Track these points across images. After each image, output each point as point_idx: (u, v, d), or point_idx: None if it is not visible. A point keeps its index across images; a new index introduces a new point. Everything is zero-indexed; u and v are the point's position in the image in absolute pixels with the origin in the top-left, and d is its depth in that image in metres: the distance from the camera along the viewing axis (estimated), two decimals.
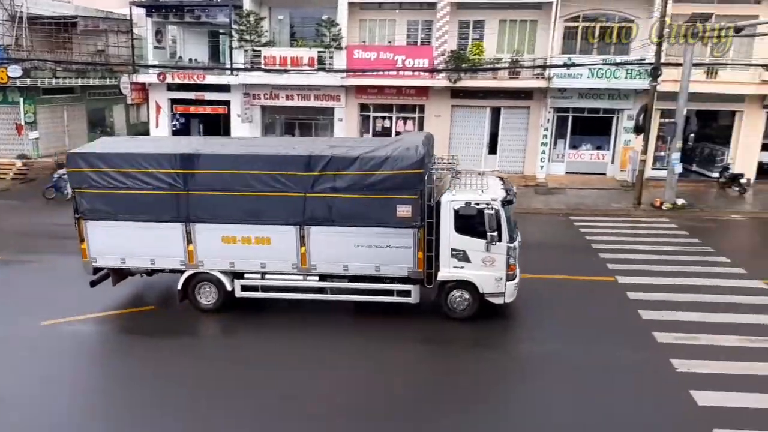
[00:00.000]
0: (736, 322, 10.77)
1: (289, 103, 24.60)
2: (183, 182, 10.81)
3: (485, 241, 10.44)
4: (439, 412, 8.22)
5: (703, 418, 7.97)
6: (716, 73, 21.84)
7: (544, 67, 22.11)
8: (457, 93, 23.59)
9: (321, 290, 11.22)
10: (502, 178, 11.97)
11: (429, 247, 10.65)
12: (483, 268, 10.66)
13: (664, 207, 19.68)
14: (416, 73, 22.71)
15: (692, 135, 20.40)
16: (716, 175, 23.27)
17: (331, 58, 23.21)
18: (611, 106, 23.18)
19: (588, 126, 23.87)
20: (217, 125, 26.08)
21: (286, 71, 23.04)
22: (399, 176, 10.31)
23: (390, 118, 24.72)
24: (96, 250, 11.39)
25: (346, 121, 24.55)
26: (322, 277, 11.10)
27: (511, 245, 10.60)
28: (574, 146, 24.22)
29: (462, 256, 10.68)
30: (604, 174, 24.06)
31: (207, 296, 11.51)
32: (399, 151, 10.45)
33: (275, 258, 11.01)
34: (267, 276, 11.22)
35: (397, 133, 24.47)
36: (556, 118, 23.66)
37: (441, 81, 22.85)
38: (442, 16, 22.66)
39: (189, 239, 11.07)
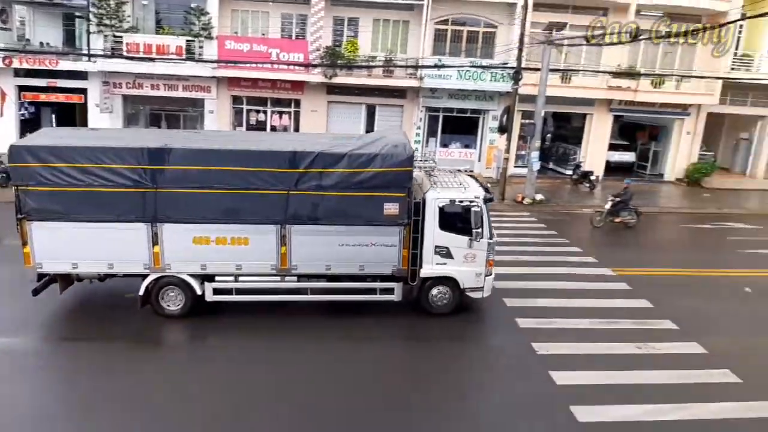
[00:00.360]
0: (590, 306, 11.77)
1: (155, 93, 23.20)
2: (151, 179, 9.89)
3: (468, 237, 10.66)
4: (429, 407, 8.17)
5: (562, 396, 8.61)
6: (570, 78, 23.78)
7: (416, 67, 22.77)
8: (333, 89, 23.61)
9: (300, 291, 10.77)
10: (474, 177, 12.12)
11: (414, 244, 10.60)
12: (464, 264, 10.83)
13: (525, 202, 21.10)
14: (291, 67, 22.40)
15: (549, 135, 22.07)
16: (570, 172, 25.42)
17: (201, 47, 22.22)
18: (478, 106, 24.43)
19: (457, 125, 24.99)
20: (72, 115, 24.00)
21: (151, 60, 21.68)
22: (389, 174, 10.15)
23: (265, 112, 24.20)
24: (42, 255, 10.11)
25: (218, 113, 23.65)
26: (300, 278, 10.66)
27: (491, 241, 10.89)
28: (444, 144, 25.22)
29: (445, 252, 10.77)
30: (472, 171, 25.33)
31: (173, 301, 10.62)
32: (388, 148, 10.27)
33: (253, 259, 10.39)
34: (241, 278, 10.54)
35: (273, 128, 24.03)
36: (428, 117, 24.49)
37: (317, 76, 22.74)
38: (316, 11, 22.54)
39: (155, 240, 10.16)
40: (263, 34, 23.22)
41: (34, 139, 10.40)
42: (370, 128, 24.22)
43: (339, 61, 22.60)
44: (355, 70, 22.90)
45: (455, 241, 10.78)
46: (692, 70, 24.31)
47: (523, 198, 21.28)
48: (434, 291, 11.06)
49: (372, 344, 10.05)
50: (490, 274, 11.12)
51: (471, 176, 12.30)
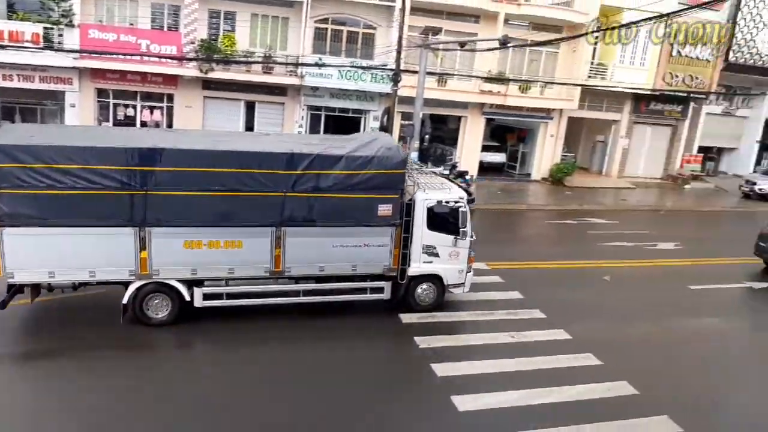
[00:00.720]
0: (467, 299, 12.28)
1: (7, 84, 20.96)
2: (140, 181, 9.30)
3: (453, 236, 11.21)
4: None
5: (443, 387, 8.92)
6: (446, 82, 24.71)
7: (296, 64, 22.51)
8: (209, 84, 22.71)
9: (289, 293, 10.67)
10: (449, 178, 12.27)
11: (404, 244, 10.84)
12: (449, 261, 11.34)
13: None
14: (163, 60, 21.23)
15: (427, 136, 22.76)
16: (447, 172, 26.41)
17: (61, 36, 20.41)
18: (360, 106, 24.66)
19: (340, 125, 25.03)
20: None
21: (2, 47, 19.55)
22: (384, 176, 10.35)
23: (134, 107, 22.73)
24: (14, 264, 9.21)
25: (81, 107, 21.85)
26: (288, 280, 10.59)
27: (472, 239, 11.46)
28: None
29: (432, 251, 11.17)
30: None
31: (158, 309, 10.07)
32: (383, 151, 10.40)
33: (246, 262, 10.15)
34: (230, 281, 10.26)
35: (143, 124, 22.62)
36: (310, 116, 24.31)
37: (191, 70, 21.75)
38: (190, 2, 21.55)
39: (142, 245, 9.60)
40: (131, 24, 21.80)
41: (4, 136, 9.26)
42: (249, 125, 23.59)
43: (215, 56, 21.78)
44: (233, 66, 22.20)
45: (441, 239, 11.24)
46: (554, 77, 26.22)
47: None
48: (419, 289, 11.41)
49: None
50: (470, 271, 11.72)
51: (446, 177, 12.73)
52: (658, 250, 17.38)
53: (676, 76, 27.35)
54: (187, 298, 10.07)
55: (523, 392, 8.86)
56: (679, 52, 27.05)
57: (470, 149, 26.73)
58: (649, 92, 27.54)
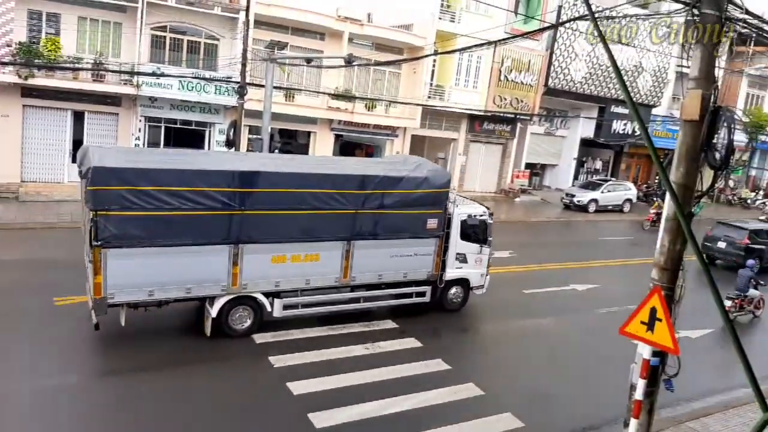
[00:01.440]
0: (321, 316, 12.20)
1: None
2: (239, 201, 10.02)
3: (479, 245, 12.99)
4: None
5: (299, 405, 8.73)
6: (294, 97, 24.62)
7: (131, 73, 21.01)
8: (30, 91, 20.35)
9: (352, 300, 11.80)
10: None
11: (444, 252, 12.41)
12: (474, 267, 13.12)
13: None
14: None
15: (276, 151, 22.45)
16: None
17: None
18: (203, 119, 23.64)
19: (182, 138, 23.77)
20: None
21: None
22: (433, 194, 11.99)
23: None
24: (115, 284, 9.36)
25: None
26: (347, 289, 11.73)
27: (491, 248, 13.23)
28: None
29: (463, 258, 12.85)
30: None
31: (241, 321, 10.72)
32: (432, 172, 12.13)
33: (321, 273, 11.13)
34: (303, 292, 11.20)
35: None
36: (148, 128, 22.78)
37: (8, 76, 19.35)
38: (4, 1, 19.22)
39: (234, 261, 10.24)
40: None
41: (112, 160, 9.42)
42: (78, 137, 21.47)
43: (36, 61, 19.61)
44: (58, 72, 20.14)
45: (470, 248, 12.98)
46: (398, 96, 27.34)
47: None
48: (452, 291, 13.09)
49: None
50: (488, 275, 13.38)
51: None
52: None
53: (505, 99, 29.88)
54: (269, 309, 10.88)
55: (378, 403, 8.97)
56: (506, 77, 29.62)
57: None
58: (482, 113, 29.74)
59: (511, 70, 29.56)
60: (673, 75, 33.59)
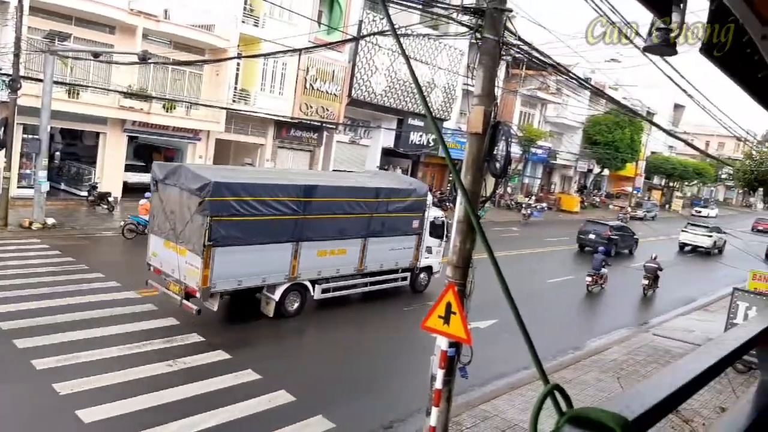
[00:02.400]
0: (117, 333, 11.19)
1: None
2: (302, 208, 12.74)
3: (439, 240, 16.90)
4: None
5: None
6: (79, 94, 22.24)
7: None
8: None
9: (360, 285, 14.87)
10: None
11: (418, 246, 16.03)
12: (436, 257, 16.93)
13: (33, 227, 18.62)
14: None
15: (57, 153, 20.13)
16: (85, 193, 23.74)
17: None
18: None
19: None
20: None
21: None
22: (419, 201, 15.89)
23: None
24: (218, 276, 11.56)
25: None
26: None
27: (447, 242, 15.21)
28: None
29: (429, 250, 16.51)
30: None
31: (292, 303, 13.26)
32: (415, 185, 16.51)
33: (346, 264, 14.23)
34: (331, 279, 14.05)
35: None
36: None
37: None
38: None
39: (295, 256, 12.87)
40: None
41: (226, 177, 11.96)
42: None
43: None
44: None
45: (434, 242, 16.81)
46: (200, 98, 26.19)
47: (31, 223, 18.69)
48: (421, 276, 16.67)
49: None
50: (441, 263, 16.36)
51: None
52: None
53: (311, 107, 30.32)
54: (312, 293, 13.63)
55: (187, 420, 8.47)
56: (312, 85, 30.08)
57: (112, 168, 24.59)
58: (289, 119, 29.81)
59: (316, 79, 30.09)
60: (460, 92, 37.01)
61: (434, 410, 7.61)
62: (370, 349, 12.65)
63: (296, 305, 13.39)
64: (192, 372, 10.10)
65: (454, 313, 7.06)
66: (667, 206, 64.30)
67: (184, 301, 11.92)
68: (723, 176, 58.50)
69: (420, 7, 12.53)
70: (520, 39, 8.69)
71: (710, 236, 33.80)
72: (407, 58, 1.65)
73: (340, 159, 34.80)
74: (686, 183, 67.49)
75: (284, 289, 12.95)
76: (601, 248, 21.87)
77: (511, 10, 7.86)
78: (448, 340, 7.37)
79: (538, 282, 20.43)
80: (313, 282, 13.66)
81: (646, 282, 21.02)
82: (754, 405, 1.67)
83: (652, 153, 61.64)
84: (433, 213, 16.81)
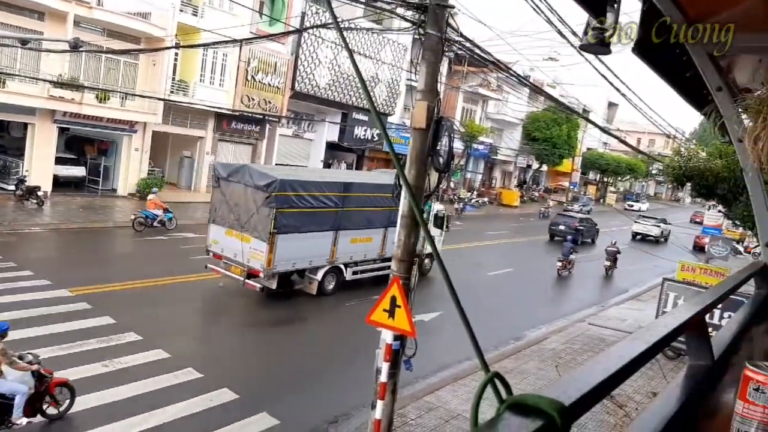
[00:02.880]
0: (49, 333, 10.71)
1: None
2: (341, 202, 15.37)
3: (440, 230, 19.42)
4: None
5: None
6: (5, 82, 21.05)
7: None
8: None
9: (383, 268, 16.49)
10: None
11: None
12: (437, 245, 15.29)
13: None
14: None
15: None
16: (13, 187, 22.51)
17: None
18: None
19: None
20: None
21: None
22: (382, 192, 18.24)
23: None
24: (279, 259, 13.92)
25: None
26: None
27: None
28: None
29: (432, 239, 14.52)
30: None
31: (329, 284, 15.69)
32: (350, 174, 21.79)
33: (371, 250, 16.87)
34: (359, 263, 16.65)
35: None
36: None
37: None
38: None
39: (334, 243, 15.44)
40: None
41: (284, 174, 14.85)
42: None
43: None
44: None
45: (436, 232, 18.79)
46: (135, 89, 25.25)
47: None
48: (425, 261, 17.20)
49: None
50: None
51: None
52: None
53: (253, 99, 29.78)
54: (345, 275, 15.96)
55: (125, 422, 8.20)
56: (253, 77, 29.55)
57: (42, 161, 23.40)
58: (229, 112, 29.19)
59: (258, 71, 29.58)
60: (404, 87, 37.20)
61: (379, 403, 7.66)
62: (314, 345, 12.59)
63: (333, 285, 15.79)
64: (129, 372, 9.78)
65: (399, 307, 7.11)
66: (601, 200, 66.80)
67: (247, 281, 14.19)
68: (654, 172, 61.22)
69: (364, 0, 12.50)
70: (462, 35, 8.81)
71: (658, 227, 39.75)
72: (350, 52, 1.64)
73: (284, 153, 34.40)
74: (619, 178, 70.27)
75: (325, 271, 15.46)
76: (569, 237, 25.80)
77: (453, 7, 7.95)
78: (393, 334, 7.43)
79: (479, 274, 20.85)
80: (346, 265, 16.11)
81: (608, 263, 24.67)
82: (682, 389, 1.76)
83: (588, 149, 64.02)
84: (436, 207, 18.77)
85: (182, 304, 13.75)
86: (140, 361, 10.26)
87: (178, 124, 28.33)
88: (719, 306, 10.05)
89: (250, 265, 14.07)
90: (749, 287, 3.74)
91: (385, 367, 7.60)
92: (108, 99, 24.07)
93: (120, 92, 24.32)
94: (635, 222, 40.05)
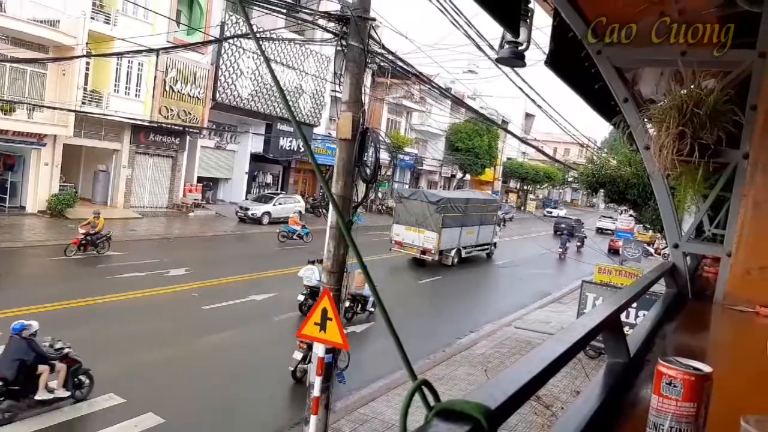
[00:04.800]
0: None
1: None
2: (464, 209, 26.80)
3: (499, 227, 33.42)
4: None
5: None
6: None
7: None
8: None
9: (480, 251, 29.29)
10: None
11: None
12: (498, 237, 32.13)
13: None
14: None
15: None
16: None
17: None
18: None
19: None
20: None
21: None
22: (496, 205, 32.93)
23: None
24: (443, 243, 24.79)
25: None
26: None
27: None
28: None
29: (496, 232, 31.23)
30: None
31: (454, 259, 26.04)
32: (494, 198, 37.58)
33: (473, 239, 27.88)
34: (467, 247, 27.82)
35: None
36: None
37: None
38: None
39: (459, 234, 26.10)
40: None
41: (445, 195, 27.23)
42: None
43: None
44: None
45: (497, 229, 31.90)
46: (44, 99, 23.88)
47: None
48: (493, 247, 30.58)
49: None
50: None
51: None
52: (171, 277, 17.88)
53: (172, 110, 28.82)
54: (462, 254, 26.85)
55: None
56: (172, 87, 28.63)
57: None
58: (147, 123, 28.13)
59: (176, 81, 28.71)
60: (329, 98, 37.22)
61: (313, 418, 7.56)
62: (242, 363, 12.26)
63: (456, 260, 26.20)
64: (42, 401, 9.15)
65: (330, 319, 7.06)
66: (522, 208, 69.31)
67: (421, 255, 24.77)
68: (570, 179, 64.26)
69: (285, 11, 12.42)
70: (383, 47, 8.93)
71: (615, 222, 47.88)
72: (268, 61, 1.61)
73: (206, 165, 33.55)
74: (538, 186, 73.20)
75: (455, 251, 26.01)
76: (565, 232, 38.46)
77: (374, 19, 8.05)
78: (325, 347, 7.36)
79: (408, 283, 21.07)
80: (464, 248, 26.88)
81: (561, 249, 34.03)
82: (602, 387, 1.84)
83: (508, 159, 66.30)
84: (500, 212, 33.12)
85: (102, 326, 13.04)
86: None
87: (92, 137, 26.99)
88: (634, 305, 10.65)
89: (426, 247, 24.61)
90: (661, 286, 3.98)
91: (317, 381, 7.51)
92: (13, 111, 22.64)
93: (27, 103, 22.93)
94: (599, 219, 55.55)
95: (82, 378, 9.48)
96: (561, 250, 34.25)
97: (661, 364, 1.22)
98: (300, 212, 32.85)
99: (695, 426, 1.19)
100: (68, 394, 9.12)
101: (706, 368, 1.22)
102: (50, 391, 8.88)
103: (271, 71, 1.41)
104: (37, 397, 8.71)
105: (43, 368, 8.79)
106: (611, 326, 1.98)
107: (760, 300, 3.28)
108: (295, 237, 26.09)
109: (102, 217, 20.24)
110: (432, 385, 0.96)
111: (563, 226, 43.93)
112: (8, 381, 8.44)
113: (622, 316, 2.18)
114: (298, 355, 10.82)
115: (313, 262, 15.19)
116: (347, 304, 19.43)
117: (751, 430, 1.00)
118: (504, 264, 29.26)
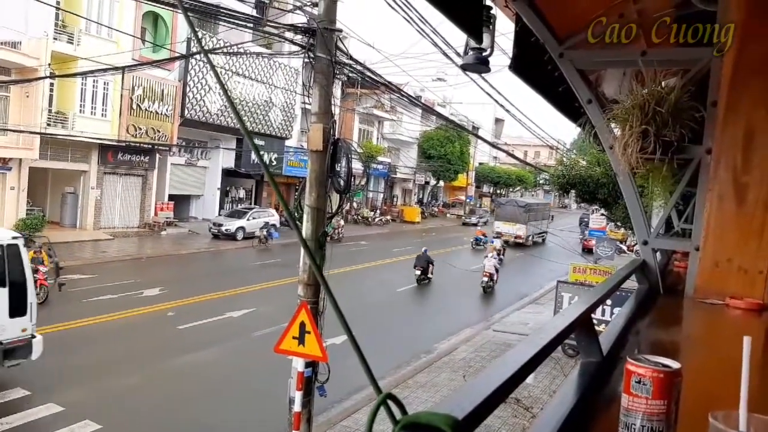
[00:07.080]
0: None
1: None
2: (529, 209, 41.74)
3: (546, 221, 48.17)
4: None
5: None
6: None
7: None
8: None
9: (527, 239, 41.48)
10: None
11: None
12: (546, 229, 46.63)
13: None
14: None
15: None
16: None
17: None
18: None
19: None
20: None
21: None
22: (547, 206, 50.64)
23: None
24: (527, 234, 39.15)
25: None
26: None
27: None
28: None
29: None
30: None
31: (531, 240, 40.82)
32: (545, 200, 58.21)
33: (540, 228, 43.48)
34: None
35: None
36: None
37: None
38: None
39: (534, 226, 42.26)
40: None
41: (526, 200, 46.87)
42: None
43: None
44: None
45: (545, 222, 47.97)
46: (7, 123, 23.35)
47: None
48: (543, 237, 45.02)
49: None
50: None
51: None
52: (145, 298, 17.55)
53: (140, 129, 28.41)
54: (535, 238, 42.17)
55: None
56: (139, 105, 28.25)
57: None
58: (114, 143, 27.68)
59: (144, 99, 28.36)
60: (299, 111, 37.12)
61: None
62: (221, 381, 12.07)
63: (531, 242, 39.08)
64: (19, 431, 8.89)
65: (309, 333, 6.99)
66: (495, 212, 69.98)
67: (513, 239, 37.91)
68: (541, 181, 65.21)
69: (251, 26, 12.38)
70: (351, 58, 8.94)
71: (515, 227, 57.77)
72: (218, 76, 1.58)
73: (177, 182, 33.12)
74: (511, 189, 74.01)
75: (531, 237, 39.59)
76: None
77: (341, 31, 8.05)
78: (304, 361, 7.28)
79: (387, 292, 21.02)
80: (534, 234, 39.97)
81: (418, 272, 23.32)
82: (576, 386, 1.84)
83: (480, 164, 66.93)
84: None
85: (74, 352, 12.72)
86: (30, 417, 9.36)
87: (59, 159, 26.47)
88: (608, 302, 10.77)
89: (518, 234, 38.59)
90: (633, 283, 4.02)
91: (298, 396, 7.42)
92: None
93: None
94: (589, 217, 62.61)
95: None
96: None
97: (630, 362, 1.22)
98: (274, 226, 32.55)
99: (667, 423, 1.19)
100: None
101: (675, 364, 1.22)
102: None
103: (222, 84, 1.38)
104: None
105: None
106: (583, 325, 1.99)
107: (730, 292, 3.34)
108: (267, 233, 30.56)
109: (44, 251, 17.14)
110: (397, 398, 0.94)
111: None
112: None
113: (598, 314, 2.18)
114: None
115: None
116: (418, 272, 23.71)
117: (719, 426, 1.00)
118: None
